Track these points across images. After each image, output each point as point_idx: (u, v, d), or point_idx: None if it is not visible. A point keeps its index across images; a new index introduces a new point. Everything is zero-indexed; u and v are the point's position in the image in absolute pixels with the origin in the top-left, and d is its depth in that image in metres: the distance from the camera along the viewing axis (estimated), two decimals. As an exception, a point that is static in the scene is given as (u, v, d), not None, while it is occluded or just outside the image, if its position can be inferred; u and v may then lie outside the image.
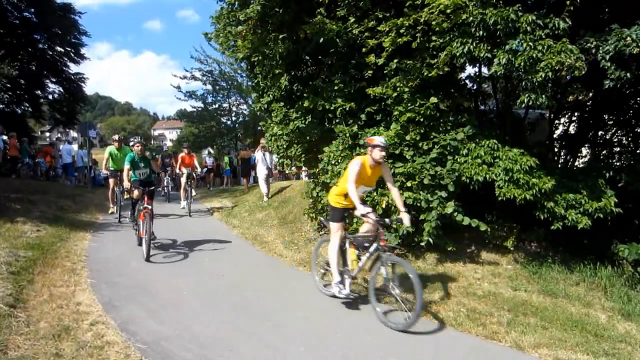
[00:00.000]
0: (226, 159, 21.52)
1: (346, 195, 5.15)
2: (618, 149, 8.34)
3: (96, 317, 4.44)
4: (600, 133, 8.42)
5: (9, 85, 17.19)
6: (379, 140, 5.15)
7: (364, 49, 7.29)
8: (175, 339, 4.11)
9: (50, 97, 22.67)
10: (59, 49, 21.85)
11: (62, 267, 6.01)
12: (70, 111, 23.37)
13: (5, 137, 15.75)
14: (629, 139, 8.20)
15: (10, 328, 3.93)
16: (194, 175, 13.14)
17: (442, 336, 4.63)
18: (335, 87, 7.77)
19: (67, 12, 21.30)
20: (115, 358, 3.64)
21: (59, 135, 50.37)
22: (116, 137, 10.70)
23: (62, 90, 22.63)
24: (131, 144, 8.29)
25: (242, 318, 4.71)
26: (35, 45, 21.05)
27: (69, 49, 22.05)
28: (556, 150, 8.60)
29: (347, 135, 7.56)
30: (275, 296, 5.52)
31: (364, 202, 5.34)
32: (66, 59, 22.16)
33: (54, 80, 22.24)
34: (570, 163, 8.43)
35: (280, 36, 7.99)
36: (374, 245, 5.04)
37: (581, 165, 8.55)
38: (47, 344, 3.73)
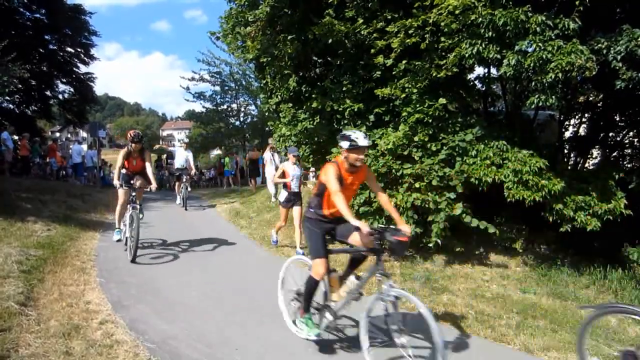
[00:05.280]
0: (227, 159, 21.65)
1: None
2: (629, 150, 8.25)
3: (105, 316, 4.47)
4: (610, 134, 8.34)
5: (20, 86, 17.38)
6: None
7: (372, 50, 7.29)
8: (184, 338, 4.13)
9: (60, 97, 22.83)
10: (69, 49, 22.00)
11: (72, 266, 6.06)
12: (80, 111, 23.54)
13: (15, 137, 15.94)
14: (640, 140, 8.13)
15: (21, 326, 3.97)
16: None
17: (451, 338, 4.60)
18: (344, 88, 7.77)
19: (77, 13, 21.46)
20: (124, 357, 3.66)
21: (69, 135, 50.83)
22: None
23: (72, 90, 22.79)
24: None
25: (249, 318, 4.73)
26: (46, 46, 21.22)
27: (79, 50, 22.21)
28: (566, 151, 8.53)
29: (355, 136, 7.56)
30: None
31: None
32: (76, 60, 22.32)
33: (64, 80, 22.40)
34: (580, 165, 8.37)
35: (289, 37, 8.01)
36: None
37: (591, 167, 8.48)
38: (57, 342, 3.76)
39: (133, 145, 7.06)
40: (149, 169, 7.28)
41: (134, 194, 7.01)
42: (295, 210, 7.75)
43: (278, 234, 8.22)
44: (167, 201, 14.18)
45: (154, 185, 7.19)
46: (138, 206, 6.96)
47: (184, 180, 12.49)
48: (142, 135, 7.53)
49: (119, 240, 7.47)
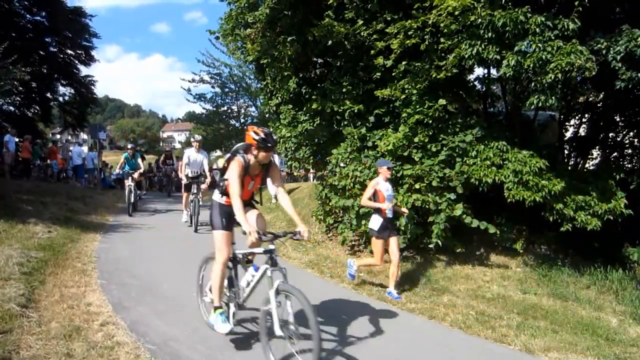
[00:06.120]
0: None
1: None
2: (629, 150, 8.26)
3: (106, 318, 4.46)
4: (611, 135, 8.35)
5: (20, 88, 17.39)
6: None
7: (372, 51, 7.30)
8: (184, 340, 4.13)
9: (60, 99, 22.85)
10: (69, 51, 21.98)
11: (72, 268, 6.06)
12: (81, 113, 23.53)
13: (17, 140, 15.95)
14: (640, 140, 8.14)
15: (22, 328, 3.96)
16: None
17: (451, 339, 4.61)
18: (344, 89, 7.78)
19: (78, 15, 21.47)
20: (125, 358, 3.66)
21: (69, 137, 50.87)
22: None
23: (72, 92, 22.81)
24: None
25: (250, 320, 4.72)
26: (46, 48, 21.21)
27: (79, 52, 22.19)
28: (566, 152, 8.54)
29: (356, 137, 7.58)
30: (283, 298, 5.52)
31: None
32: (77, 62, 22.31)
33: (65, 82, 22.41)
34: (580, 165, 8.37)
35: (289, 39, 8.02)
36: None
37: (591, 168, 8.49)
38: (59, 344, 3.76)
39: (261, 154, 3.81)
40: (287, 203, 4.01)
41: (272, 246, 3.72)
42: (393, 242, 5.87)
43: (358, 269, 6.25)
44: (162, 203, 14.13)
45: (305, 231, 3.66)
46: (284, 270, 3.65)
47: (195, 191, 9.59)
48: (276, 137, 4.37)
49: (229, 333, 4.04)
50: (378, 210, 5.84)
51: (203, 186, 9.57)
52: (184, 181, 9.84)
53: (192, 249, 7.91)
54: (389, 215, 5.83)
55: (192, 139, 9.89)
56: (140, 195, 13.46)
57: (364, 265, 6.20)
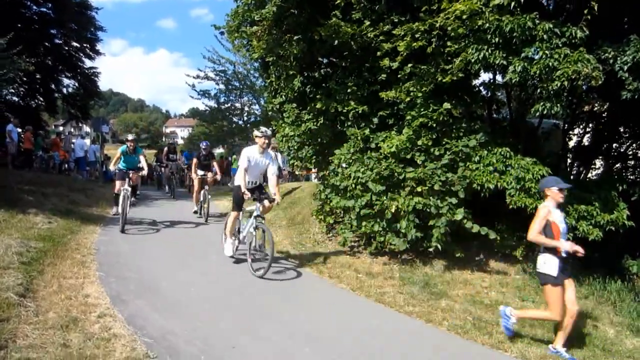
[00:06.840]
0: (235, 157, 21.64)
1: None
2: (632, 162, 8.24)
3: (104, 310, 4.47)
4: (614, 145, 8.32)
5: (25, 79, 17.44)
6: None
7: (378, 53, 7.28)
8: (181, 334, 4.13)
9: (64, 91, 22.90)
10: (74, 44, 22.05)
11: (71, 260, 6.07)
12: (84, 106, 23.61)
13: (19, 130, 15.98)
14: (644, 152, 8.12)
15: (19, 317, 3.97)
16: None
17: (448, 344, 4.59)
18: (349, 90, 7.77)
19: (84, 8, 21.52)
20: (122, 351, 3.66)
21: (72, 129, 50.98)
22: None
23: (76, 84, 22.86)
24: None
25: (248, 317, 4.72)
26: (52, 40, 21.29)
27: (84, 45, 22.25)
28: (569, 161, 8.52)
29: (359, 138, 7.57)
30: (282, 296, 5.52)
31: None
32: (81, 54, 22.36)
33: (69, 74, 22.47)
34: (583, 174, 8.35)
35: (295, 37, 8.01)
36: None
37: (594, 177, 8.47)
38: (55, 334, 3.77)
39: None
40: None
41: None
42: (570, 286, 4.54)
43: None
44: (166, 202, 14.10)
45: None
46: None
47: (258, 212, 6.58)
48: None
49: None
50: (551, 249, 4.51)
51: (267, 203, 6.68)
52: (247, 196, 6.45)
53: (189, 241, 7.91)
54: (564, 254, 4.43)
55: (256, 133, 6.69)
56: (134, 199, 10.14)
57: (530, 318, 4.87)
